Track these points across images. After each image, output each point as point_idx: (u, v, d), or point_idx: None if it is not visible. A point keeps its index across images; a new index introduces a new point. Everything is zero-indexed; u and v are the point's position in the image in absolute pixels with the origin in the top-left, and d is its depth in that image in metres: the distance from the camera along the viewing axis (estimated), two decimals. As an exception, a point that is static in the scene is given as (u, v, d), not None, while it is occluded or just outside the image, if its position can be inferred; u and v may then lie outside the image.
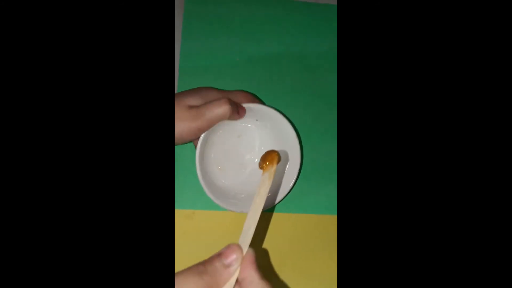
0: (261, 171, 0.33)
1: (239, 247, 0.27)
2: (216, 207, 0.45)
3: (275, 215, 0.46)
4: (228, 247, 0.27)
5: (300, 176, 0.48)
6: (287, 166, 0.45)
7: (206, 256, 0.42)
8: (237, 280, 0.27)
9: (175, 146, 0.46)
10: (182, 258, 0.42)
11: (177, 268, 0.41)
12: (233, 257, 0.26)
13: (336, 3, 0.59)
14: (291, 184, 0.44)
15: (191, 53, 0.52)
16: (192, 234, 0.44)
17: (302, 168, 0.48)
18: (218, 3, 0.56)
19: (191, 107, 0.36)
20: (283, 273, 0.44)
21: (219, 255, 0.27)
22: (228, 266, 0.26)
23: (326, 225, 0.47)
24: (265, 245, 0.45)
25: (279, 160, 0.33)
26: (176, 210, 0.44)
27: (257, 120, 0.46)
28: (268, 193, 0.31)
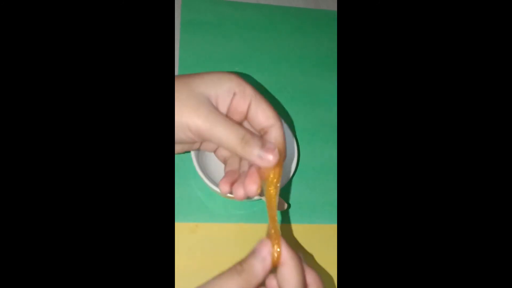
0: None
1: (269, 241, 0.28)
2: (220, 219, 0.45)
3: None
4: (260, 242, 0.28)
5: (299, 185, 0.48)
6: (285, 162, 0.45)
7: (211, 269, 0.42)
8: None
9: (176, 156, 0.45)
10: (187, 271, 0.41)
11: (181, 283, 0.41)
12: (266, 251, 0.27)
13: (336, 9, 0.58)
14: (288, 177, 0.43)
15: (189, 64, 0.52)
16: (196, 247, 0.43)
17: (301, 177, 0.48)
18: (215, 12, 0.56)
19: (206, 98, 0.29)
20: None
21: (253, 253, 0.27)
22: (262, 260, 0.27)
23: (326, 235, 0.46)
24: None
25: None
26: (179, 224, 0.43)
27: None
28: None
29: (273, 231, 0.28)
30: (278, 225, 0.29)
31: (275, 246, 0.27)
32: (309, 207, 0.47)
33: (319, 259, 0.45)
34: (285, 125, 0.46)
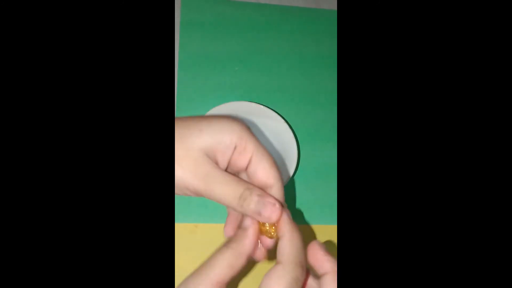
0: None
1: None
2: (219, 220, 0.44)
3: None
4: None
5: (299, 185, 0.48)
6: (285, 163, 0.45)
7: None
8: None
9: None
10: (187, 271, 0.41)
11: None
12: (248, 221, 0.27)
13: (336, 8, 0.58)
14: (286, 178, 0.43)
15: (189, 64, 0.52)
16: (196, 247, 0.43)
17: (301, 177, 0.48)
18: (215, 12, 0.56)
19: (204, 153, 0.28)
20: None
21: (239, 227, 0.28)
22: (245, 228, 0.27)
23: (326, 235, 0.46)
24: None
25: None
26: (179, 224, 0.43)
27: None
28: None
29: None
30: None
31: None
32: (309, 208, 0.47)
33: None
34: (285, 125, 0.46)
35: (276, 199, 0.28)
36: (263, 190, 0.29)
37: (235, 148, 0.28)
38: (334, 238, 0.45)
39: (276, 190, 0.29)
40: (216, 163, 0.28)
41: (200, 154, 0.27)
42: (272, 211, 0.27)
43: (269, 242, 0.29)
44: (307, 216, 0.46)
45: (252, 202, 0.27)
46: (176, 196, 0.43)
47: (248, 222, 0.27)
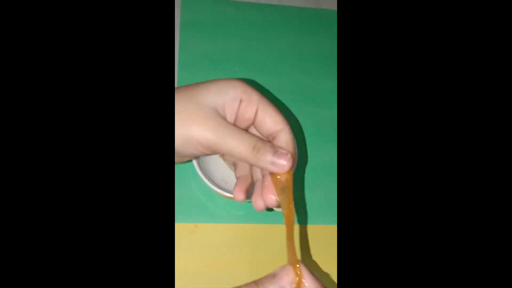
0: None
1: (292, 269, 0.26)
2: (219, 220, 0.44)
3: (276, 226, 0.45)
4: (282, 269, 0.26)
5: (299, 185, 0.48)
6: None
7: (211, 269, 0.42)
8: None
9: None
10: (187, 271, 0.41)
11: (181, 283, 0.41)
12: (286, 281, 0.26)
13: (336, 8, 0.58)
14: None
15: (189, 64, 0.52)
16: (196, 248, 0.43)
17: (301, 178, 0.48)
18: (215, 12, 0.56)
19: (214, 110, 0.29)
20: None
21: (272, 277, 0.26)
22: (279, 280, 0.26)
23: (326, 236, 0.46)
24: (266, 257, 0.44)
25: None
26: (179, 224, 0.43)
27: None
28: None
29: (292, 257, 0.27)
30: (295, 247, 0.28)
31: (297, 274, 0.26)
32: (309, 208, 0.47)
33: (319, 260, 0.44)
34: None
35: (287, 151, 0.29)
36: (273, 137, 0.30)
37: (240, 101, 0.29)
38: (334, 238, 0.45)
39: (286, 132, 0.30)
40: (225, 118, 0.29)
41: (210, 108, 0.28)
42: (285, 161, 0.28)
43: (272, 201, 0.30)
44: (307, 216, 0.46)
45: (266, 152, 0.28)
46: (176, 196, 0.44)
47: (285, 281, 0.26)
